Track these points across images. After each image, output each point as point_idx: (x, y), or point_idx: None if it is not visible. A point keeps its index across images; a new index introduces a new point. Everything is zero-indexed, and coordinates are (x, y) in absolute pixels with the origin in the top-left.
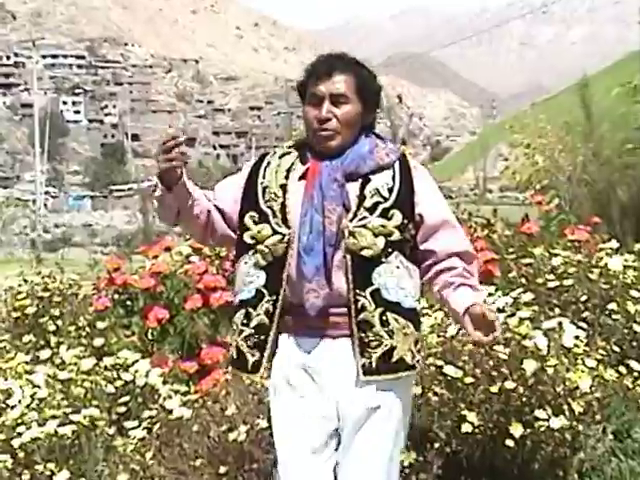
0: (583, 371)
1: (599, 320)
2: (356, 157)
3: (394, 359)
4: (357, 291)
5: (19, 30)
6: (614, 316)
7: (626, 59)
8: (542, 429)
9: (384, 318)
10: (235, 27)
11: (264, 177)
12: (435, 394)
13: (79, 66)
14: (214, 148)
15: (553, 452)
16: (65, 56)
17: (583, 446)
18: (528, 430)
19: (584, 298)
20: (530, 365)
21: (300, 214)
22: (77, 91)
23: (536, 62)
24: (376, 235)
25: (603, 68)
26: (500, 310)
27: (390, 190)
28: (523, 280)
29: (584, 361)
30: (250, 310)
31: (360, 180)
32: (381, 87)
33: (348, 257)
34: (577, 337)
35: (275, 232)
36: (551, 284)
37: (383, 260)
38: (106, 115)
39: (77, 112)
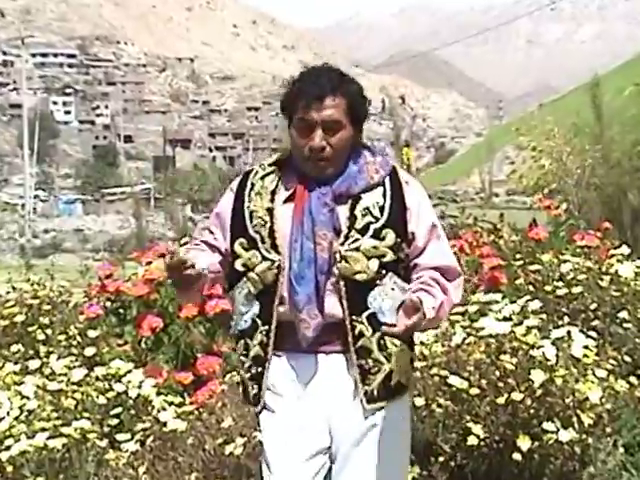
0: (593, 382)
1: (609, 329)
2: (347, 178)
3: (392, 383)
4: (353, 317)
5: (7, 28)
6: (625, 325)
7: (637, 58)
8: (550, 442)
9: (382, 342)
10: (232, 25)
11: (250, 201)
12: (439, 406)
13: (70, 65)
14: (210, 150)
15: (562, 466)
16: (55, 55)
17: (593, 460)
18: (536, 443)
19: (594, 306)
20: (538, 376)
21: (290, 240)
22: (68, 91)
23: (544, 61)
24: (369, 257)
25: (613, 67)
26: (507, 319)
27: (381, 209)
28: (531, 287)
29: (594, 371)
30: (248, 341)
31: (350, 200)
32: (369, 101)
33: (342, 283)
34: (587, 347)
35: (264, 258)
36: (560, 291)
37: (377, 283)
38: (98, 116)
39: (68, 113)
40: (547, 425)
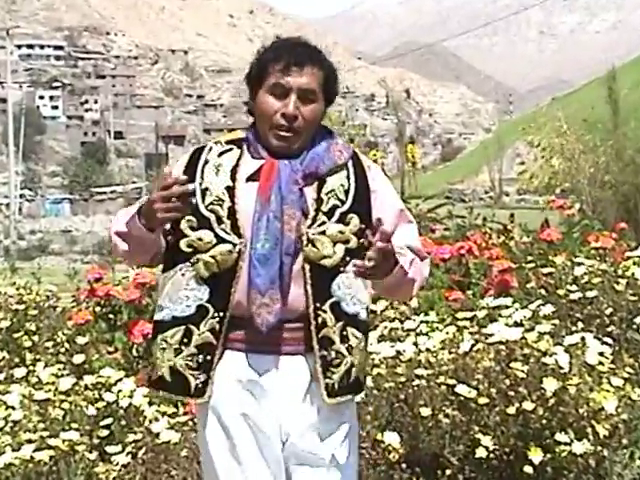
0: (608, 391)
1: (626, 335)
2: (315, 157)
3: (352, 378)
4: (317, 304)
5: None
6: None
7: None
8: (564, 454)
9: (344, 333)
10: (228, 15)
11: (202, 177)
12: (446, 416)
13: (57, 57)
14: None
15: None
16: (42, 46)
17: (609, 473)
18: (548, 455)
19: (609, 311)
20: (550, 384)
21: (253, 219)
22: (55, 85)
23: (557, 53)
24: (334, 243)
25: (630, 60)
26: (517, 324)
27: (346, 192)
28: (543, 291)
29: (609, 380)
30: (191, 327)
31: (316, 182)
32: (338, 73)
33: (307, 267)
34: (602, 353)
35: (222, 240)
36: (573, 296)
37: (341, 270)
38: (87, 111)
39: (55, 107)
40: (560, 436)
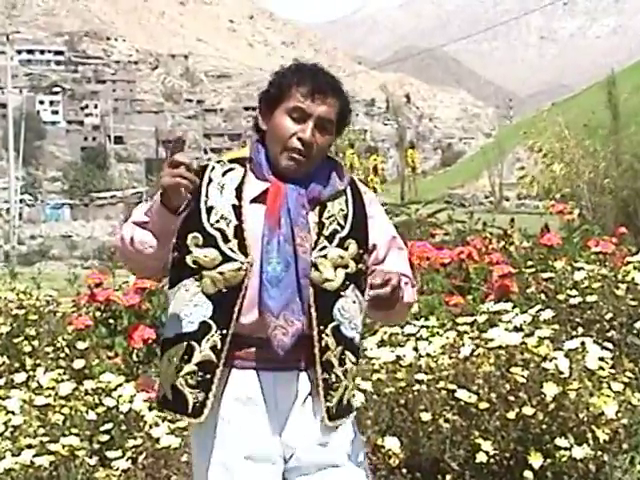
0: (608, 395)
1: (626, 340)
2: (318, 182)
3: (345, 401)
4: (320, 327)
5: None
6: None
7: None
8: (564, 459)
9: (342, 357)
10: (228, 20)
11: (207, 196)
12: (447, 421)
13: (57, 62)
14: (205, 152)
15: None
16: (42, 51)
17: (609, 478)
18: (548, 460)
19: (609, 316)
20: (550, 389)
21: (262, 243)
22: (55, 89)
23: (557, 58)
24: (335, 267)
25: (630, 64)
26: (518, 329)
27: (345, 217)
28: (543, 296)
29: (610, 385)
30: (193, 344)
31: (317, 206)
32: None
33: (311, 291)
34: (602, 358)
35: (228, 259)
36: (573, 300)
37: (342, 294)
38: (87, 116)
39: (55, 112)
40: (560, 441)
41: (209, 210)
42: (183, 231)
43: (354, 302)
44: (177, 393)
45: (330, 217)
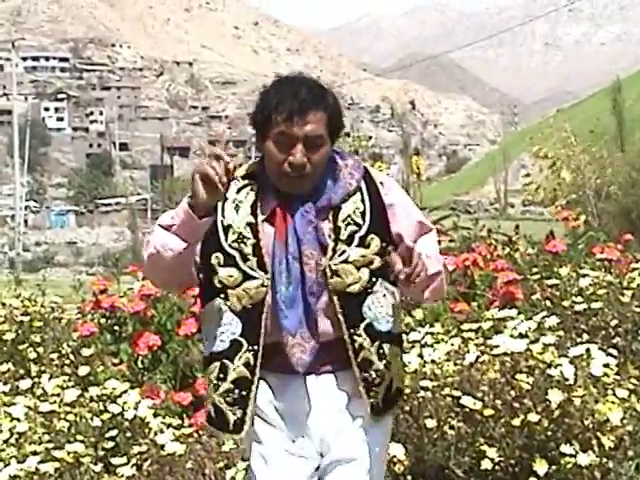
0: (614, 402)
1: (631, 346)
2: (326, 189)
3: (393, 391)
4: (351, 330)
5: None
6: None
7: None
8: (569, 466)
9: (380, 351)
10: (233, 26)
11: (223, 215)
12: (451, 428)
13: (62, 69)
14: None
15: None
16: (47, 58)
17: None
18: (553, 467)
19: (615, 322)
20: (555, 396)
21: (273, 262)
22: (60, 96)
23: (562, 65)
24: (358, 268)
25: (635, 71)
26: (523, 336)
27: (362, 214)
28: (548, 303)
29: (615, 391)
30: (226, 362)
31: (331, 211)
32: (342, 110)
33: (335, 298)
34: (607, 365)
35: (248, 277)
36: (578, 307)
37: (370, 291)
38: (92, 122)
39: (60, 119)
40: (565, 448)
41: (226, 230)
42: (206, 251)
43: (384, 295)
44: (218, 411)
45: (346, 219)
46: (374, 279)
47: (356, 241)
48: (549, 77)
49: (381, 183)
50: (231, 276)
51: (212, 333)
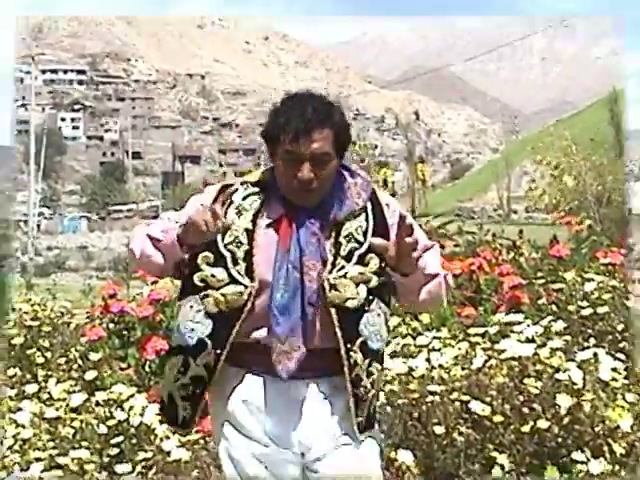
0: (623, 407)
1: (638, 350)
2: (333, 204)
3: (372, 408)
4: (348, 345)
5: (18, 45)
6: None
7: None
8: (581, 474)
9: (370, 369)
10: (244, 41)
11: (225, 216)
12: (460, 434)
13: (80, 82)
14: (220, 166)
15: None
16: (65, 71)
17: None
18: (565, 475)
19: (621, 327)
20: (564, 400)
21: (274, 268)
22: (76, 107)
23: (561, 76)
24: (357, 284)
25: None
26: (530, 340)
27: (364, 233)
28: (554, 307)
29: (624, 396)
30: (189, 359)
31: (334, 227)
32: (349, 124)
33: (333, 311)
34: (615, 369)
35: (234, 281)
36: (584, 312)
37: (366, 309)
38: (106, 131)
39: (76, 128)
40: (576, 455)
41: (224, 231)
42: (197, 249)
43: (379, 315)
44: (171, 402)
45: (347, 236)
46: (371, 297)
47: (355, 258)
48: (548, 88)
49: (387, 205)
50: (215, 277)
51: (182, 327)
